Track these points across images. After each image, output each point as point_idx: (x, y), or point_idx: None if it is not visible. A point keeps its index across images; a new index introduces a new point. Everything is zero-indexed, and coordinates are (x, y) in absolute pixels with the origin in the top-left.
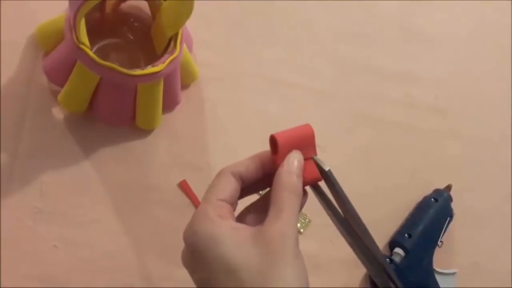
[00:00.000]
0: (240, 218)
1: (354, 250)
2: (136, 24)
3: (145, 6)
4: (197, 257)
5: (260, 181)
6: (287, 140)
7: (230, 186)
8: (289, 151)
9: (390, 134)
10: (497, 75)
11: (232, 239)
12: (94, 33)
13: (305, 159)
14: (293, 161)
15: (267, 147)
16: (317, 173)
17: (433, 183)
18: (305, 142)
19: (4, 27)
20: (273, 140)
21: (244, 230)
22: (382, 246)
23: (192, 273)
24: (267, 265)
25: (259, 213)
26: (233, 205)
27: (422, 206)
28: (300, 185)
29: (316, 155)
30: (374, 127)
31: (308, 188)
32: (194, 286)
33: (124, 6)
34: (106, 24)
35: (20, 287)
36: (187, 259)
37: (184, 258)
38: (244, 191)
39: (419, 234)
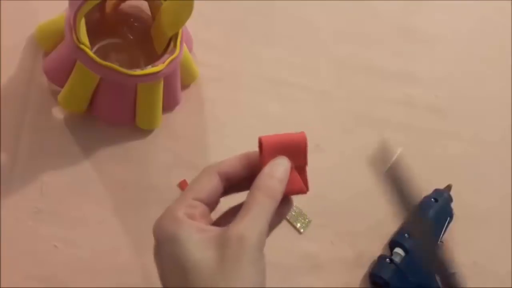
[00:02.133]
0: (223, 218)
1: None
2: (136, 24)
3: (145, 6)
4: (158, 251)
5: (246, 180)
6: (275, 145)
7: (210, 185)
8: (275, 156)
9: (390, 133)
10: (497, 75)
11: (193, 240)
12: (94, 33)
13: (294, 167)
14: (277, 166)
15: None
16: (302, 184)
17: (433, 183)
18: (295, 150)
19: (4, 27)
20: (260, 143)
21: (210, 231)
22: (383, 246)
23: (156, 265)
24: (219, 270)
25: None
26: (211, 204)
27: (422, 206)
28: (279, 190)
29: (306, 164)
30: (374, 127)
31: None
32: None
33: (124, 6)
34: (106, 24)
35: (20, 287)
36: (154, 251)
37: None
38: (230, 190)
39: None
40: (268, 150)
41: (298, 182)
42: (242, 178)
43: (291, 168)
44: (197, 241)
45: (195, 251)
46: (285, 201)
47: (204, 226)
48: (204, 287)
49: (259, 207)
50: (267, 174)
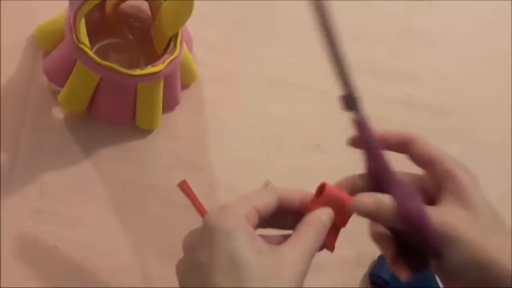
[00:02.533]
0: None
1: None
2: (136, 24)
3: (145, 6)
4: (211, 243)
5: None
6: (330, 196)
7: (269, 202)
8: (324, 205)
9: None
10: (497, 75)
11: (252, 243)
12: (94, 33)
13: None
14: (325, 213)
15: (267, 146)
16: (333, 242)
17: None
18: (342, 210)
19: (4, 27)
20: (322, 188)
21: (261, 241)
22: None
23: (192, 251)
24: (270, 279)
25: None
26: (260, 221)
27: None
28: (322, 232)
29: (342, 227)
30: (374, 126)
31: None
32: None
33: (124, 6)
34: (106, 24)
35: (20, 287)
36: (194, 237)
37: (191, 235)
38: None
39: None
40: (325, 198)
41: (331, 238)
42: (291, 212)
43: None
44: (254, 246)
45: (253, 253)
46: None
47: (257, 234)
48: (252, 287)
49: (310, 240)
50: (317, 215)
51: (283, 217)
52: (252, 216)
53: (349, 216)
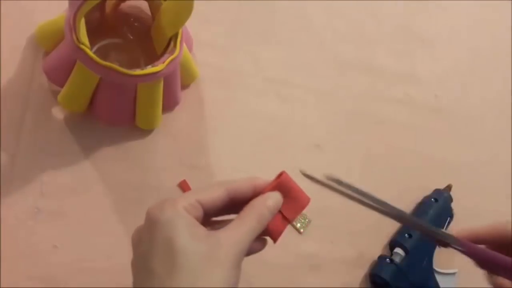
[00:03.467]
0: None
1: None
2: (136, 24)
3: (145, 6)
4: (149, 231)
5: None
6: (286, 186)
7: (215, 195)
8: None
9: (390, 133)
10: (497, 75)
11: (188, 230)
12: (94, 33)
13: (282, 215)
14: (272, 197)
15: (267, 146)
16: (278, 231)
17: (433, 183)
18: (294, 204)
19: (4, 27)
20: (280, 175)
21: (201, 229)
22: (383, 246)
23: (137, 245)
24: (205, 264)
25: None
26: (208, 213)
27: (422, 206)
28: (267, 216)
29: (291, 222)
30: (374, 127)
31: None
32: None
33: (124, 6)
34: (106, 24)
35: (20, 287)
36: (139, 232)
37: (136, 231)
38: (232, 209)
39: (419, 234)
40: (279, 185)
41: (277, 227)
42: (246, 200)
43: (280, 212)
44: (191, 233)
45: (189, 240)
46: (260, 240)
47: (197, 223)
48: (187, 275)
49: (249, 223)
50: (262, 198)
51: (241, 207)
52: (193, 208)
53: (299, 212)
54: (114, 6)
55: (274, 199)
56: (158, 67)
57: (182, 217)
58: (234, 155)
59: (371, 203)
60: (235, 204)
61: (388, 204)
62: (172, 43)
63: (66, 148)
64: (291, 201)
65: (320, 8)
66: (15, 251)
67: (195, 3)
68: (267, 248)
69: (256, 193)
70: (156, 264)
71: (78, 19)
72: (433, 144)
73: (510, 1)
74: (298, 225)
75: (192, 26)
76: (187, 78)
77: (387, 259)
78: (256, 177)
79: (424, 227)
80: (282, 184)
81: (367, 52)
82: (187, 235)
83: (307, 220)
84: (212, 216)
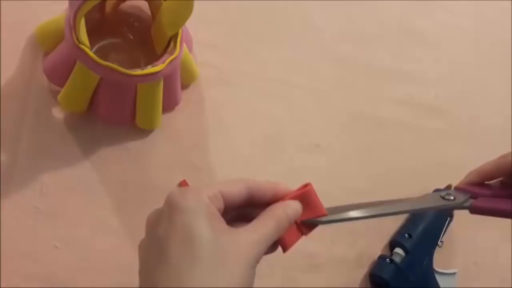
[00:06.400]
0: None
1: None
2: (136, 24)
3: (145, 6)
4: (170, 216)
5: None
6: (309, 198)
7: (237, 190)
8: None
9: (390, 133)
10: (497, 75)
11: (211, 221)
12: (94, 33)
13: (298, 225)
14: (293, 206)
15: (267, 146)
16: (292, 241)
17: (433, 183)
18: (312, 216)
19: (4, 27)
20: (305, 186)
21: (222, 222)
22: (383, 246)
23: (152, 227)
24: (224, 258)
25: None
26: (227, 208)
27: None
28: (285, 222)
29: (305, 235)
30: (374, 127)
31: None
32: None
33: (124, 6)
34: (106, 24)
35: (20, 287)
36: (156, 214)
37: (154, 213)
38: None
39: (419, 234)
40: (302, 195)
41: (290, 237)
42: (263, 203)
43: (296, 222)
44: (213, 225)
45: (210, 232)
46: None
47: (219, 215)
48: (205, 269)
49: (268, 228)
50: (282, 206)
51: (257, 210)
52: (215, 199)
53: (313, 227)
54: (114, 6)
55: (294, 208)
56: (158, 67)
57: (205, 206)
58: (234, 155)
59: (372, 214)
60: (251, 204)
61: (385, 205)
62: (172, 43)
63: (66, 148)
64: (309, 213)
65: (320, 8)
66: (15, 251)
67: (195, 3)
68: None
69: (275, 198)
70: (172, 251)
71: (78, 19)
72: (433, 144)
73: (511, 1)
74: None
75: (192, 26)
76: (187, 78)
77: (387, 259)
78: (279, 182)
79: (426, 208)
80: (305, 195)
81: (367, 52)
82: (209, 226)
83: None
84: (228, 211)
